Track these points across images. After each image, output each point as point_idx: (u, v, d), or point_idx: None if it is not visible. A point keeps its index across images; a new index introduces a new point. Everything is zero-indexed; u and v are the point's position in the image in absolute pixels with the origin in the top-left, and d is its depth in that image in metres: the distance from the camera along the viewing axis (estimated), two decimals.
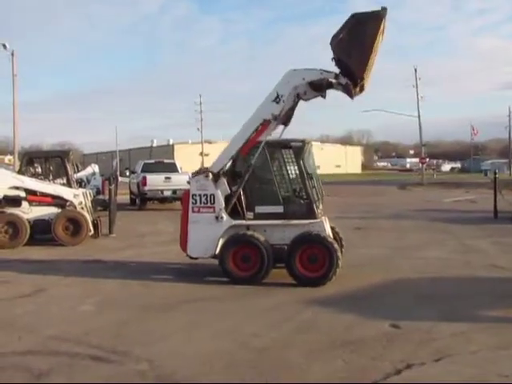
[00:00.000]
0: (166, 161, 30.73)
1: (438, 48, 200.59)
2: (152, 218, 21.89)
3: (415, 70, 55.75)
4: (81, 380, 5.47)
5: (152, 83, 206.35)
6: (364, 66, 9.25)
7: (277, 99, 9.55)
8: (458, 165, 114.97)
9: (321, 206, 9.89)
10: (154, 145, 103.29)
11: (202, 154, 78.99)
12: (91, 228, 15.06)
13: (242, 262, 9.49)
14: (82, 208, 15.20)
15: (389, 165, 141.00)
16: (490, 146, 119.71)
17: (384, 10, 9.16)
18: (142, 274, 10.56)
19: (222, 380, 5.43)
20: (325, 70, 9.50)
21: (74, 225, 14.68)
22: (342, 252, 9.82)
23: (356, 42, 9.13)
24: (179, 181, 25.56)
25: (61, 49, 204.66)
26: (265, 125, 9.61)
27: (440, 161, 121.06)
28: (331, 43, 9.31)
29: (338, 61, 9.38)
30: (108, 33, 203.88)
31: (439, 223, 19.09)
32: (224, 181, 9.78)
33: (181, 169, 27.88)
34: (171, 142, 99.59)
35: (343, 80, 9.41)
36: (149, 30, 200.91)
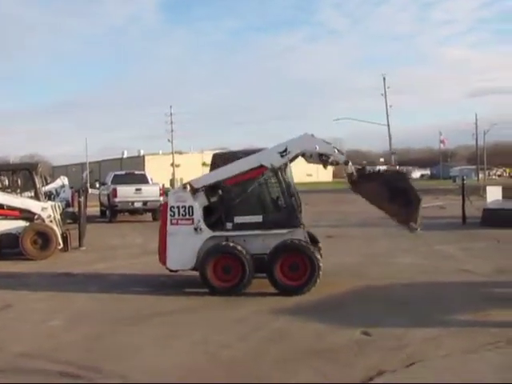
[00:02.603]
0: (136, 172, 30.51)
1: (407, 57, 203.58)
2: (123, 230, 21.68)
3: (384, 79, 56.48)
4: None
5: (122, 94, 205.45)
6: (364, 196, 9.73)
7: (283, 153, 9.53)
8: (427, 171, 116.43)
9: (299, 215, 9.93)
10: (125, 156, 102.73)
11: (173, 164, 78.76)
12: (60, 241, 14.85)
13: (223, 273, 9.43)
14: (51, 221, 14.97)
15: None
16: (459, 153, 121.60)
17: (414, 229, 9.45)
18: (113, 287, 10.43)
19: None
20: (339, 150, 9.66)
21: (43, 238, 14.44)
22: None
23: (388, 196, 9.38)
24: (150, 192, 25.48)
25: (30, 60, 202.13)
26: (260, 170, 9.62)
27: (410, 168, 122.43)
28: (397, 173, 9.58)
29: (381, 172, 9.74)
30: (77, 44, 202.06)
31: None
32: (202, 192, 9.76)
33: (151, 180, 27.73)
34: (142, 153, 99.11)
35: (350, 168, 9.53)
36: (117, 41, 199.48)
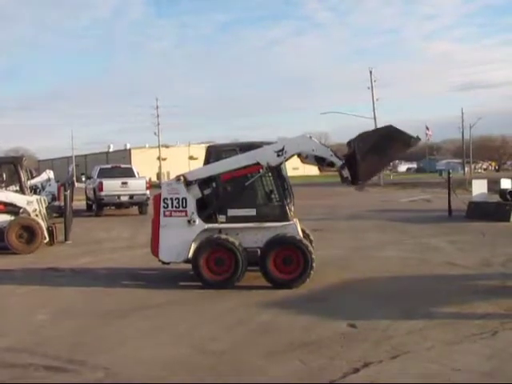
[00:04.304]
0: (122, 166, 30.41)
1: (393, 51, 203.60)
2: (109, 224, 21.59)
3: (370, 73, 56.58)
4: None
5: (108, 87, 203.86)
6: (371, 175, 9.87)
7: (280, 152, 9.55)
8: (414, 165, 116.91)
9: (292, 208, 9.94)
10: (111, 150, 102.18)
11: (159, 158, 78.49)
12: (46, 235, 14.76)
13: (216, 266, 9.41)
14: (37, 215, 14.87)
15: None
16: (445, 147, 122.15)
17: (418, 139, 9.45)
18: (99, 281, 10.39)
19: None
20: (335, 154, 9.61)
21: (28, 232, 14.36)
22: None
23: (379, 152, 9.34)
24: (136, 186, 25.39)
25: (13, 53, 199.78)
26: (256, 168, 9.60)
27: (396, 161, 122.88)
28: (360, 136, 9.49)
29: (352, 151, 9.53)
30: (61, 37, 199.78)
31: (396, 223, 19.37)
32: (196, 185, 9.74)
33: (138, 174, 27.64)
34: (128, 147, 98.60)
35: (346, 173, 9.52)
36: (103, 34, 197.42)
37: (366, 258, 12.29)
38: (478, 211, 19.63)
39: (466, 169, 79.93)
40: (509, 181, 21.10)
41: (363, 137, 9.46)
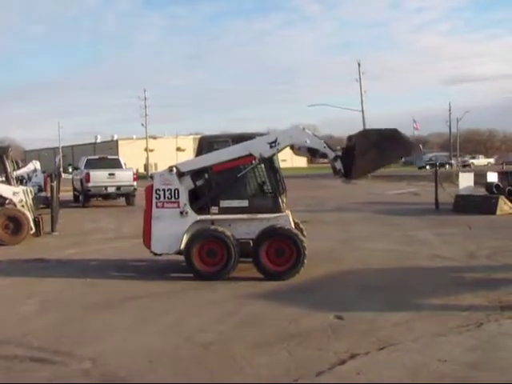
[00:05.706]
0: (109, 157, 30.38)
1: (382, 44, 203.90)
2: (96, 215, 21.51)
3: (358, 65, 56.68)
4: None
5: (96, 78, 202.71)
6: (365, 173, 9.83)
7: (273, 144, 9.52)
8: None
9: (285, 200, 9.94)
10: (98, 140, 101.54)
11: (146, 149, 78.19)
12: (32, 226, 14.68)
13: (208, 258, 9.39)
14: (23, 206, 14.77)
15: None
16: (432, 140, 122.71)
17: (419, 149, 9.43)
18: (86, 272, 10.34)
19: (166, 376, 5.37)
20: (328, 146, 9.58)
21: (14, 223, 14.25)
22: None
23: (379, 151, 9.31)
24: (123, 177, 25.33)
25: (1, 42, 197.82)
26: (249, 159, 9.58)
27: None
28: (362, 133, 9.52)
29: (350, 147, 9.47)
30: (50, 27, 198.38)
31: (383, 215, 19.45)
32: (188, 176, 9.70)
33: (125, 165, 27.55)
34: (115, 138, 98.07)
35: (338, 165, 9.49)
36: (92, 25, 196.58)
37: (354, 250, 12.33)
38: (465, 204, 19.76)
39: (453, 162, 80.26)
40: (495, 174, 21.26)
41: (365, 134, 9.53)
